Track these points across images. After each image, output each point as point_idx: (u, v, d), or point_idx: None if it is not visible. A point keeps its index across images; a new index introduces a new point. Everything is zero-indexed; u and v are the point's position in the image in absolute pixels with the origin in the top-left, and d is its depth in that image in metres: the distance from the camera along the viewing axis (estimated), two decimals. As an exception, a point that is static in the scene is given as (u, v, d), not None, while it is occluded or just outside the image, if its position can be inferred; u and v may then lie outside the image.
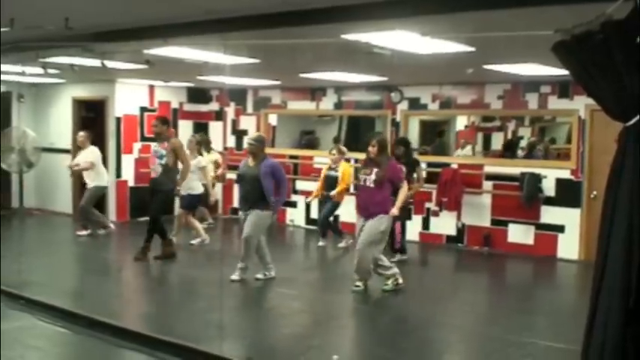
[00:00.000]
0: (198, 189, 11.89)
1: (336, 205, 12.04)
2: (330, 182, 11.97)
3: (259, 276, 9.46)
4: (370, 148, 8.81)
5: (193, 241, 11.99)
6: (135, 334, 6.90)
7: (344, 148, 12.29)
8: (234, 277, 9.33)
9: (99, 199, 13.05)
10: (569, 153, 11.68)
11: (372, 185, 8.70)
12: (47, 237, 13.03)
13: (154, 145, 10.88)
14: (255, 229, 9.22)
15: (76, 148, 13.46)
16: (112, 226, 12.99)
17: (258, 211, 9.18)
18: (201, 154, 12.33)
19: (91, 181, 12.69)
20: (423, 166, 11.89)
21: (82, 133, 13.16)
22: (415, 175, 10.93)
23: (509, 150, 14.13)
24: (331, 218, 12.39)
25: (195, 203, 12.15)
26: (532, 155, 13.31)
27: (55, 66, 10.13)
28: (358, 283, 9.02)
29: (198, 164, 11.85)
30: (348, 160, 12.37)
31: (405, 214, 10.51)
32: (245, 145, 10.13)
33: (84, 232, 12.78)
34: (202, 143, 12.90)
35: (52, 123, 15.28)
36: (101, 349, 6.78)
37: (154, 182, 10.73)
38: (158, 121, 10.90)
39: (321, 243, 12.29)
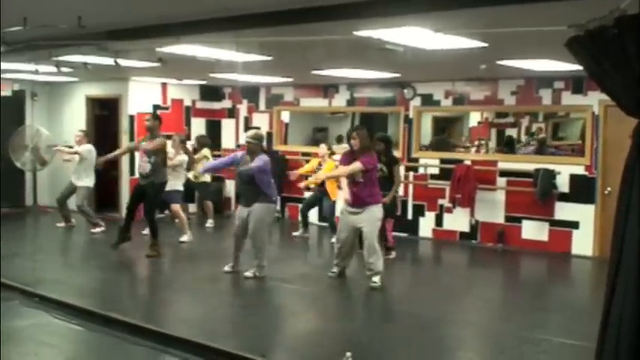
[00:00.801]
0: (180, 185, 12.37)
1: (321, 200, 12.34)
2: None
3: (248, 274, 9.46)
4: (352, 141, 9.04)
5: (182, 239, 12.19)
6: (149, 330, 6.91)
7: (333, 147, 12.67)
8: (248, 273, 9.44)
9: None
10: (582, 149, 11.65)
11: (361, 180, 8.93)
12: (61, 235, 13.04)
13: (143, 143, 11.02)
14: (259, 224, 9.28)
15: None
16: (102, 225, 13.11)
17: (258, 204, 9.25)
18: (186, 152, 12.56)
19: (80, 180, 12.84)
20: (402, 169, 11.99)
21: (79, 132, 13.30)
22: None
23: (508, 146, 14.16)
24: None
25: (179, 198, 12.43)
26: (543, 151, 13.35)
27: (69, 64, 10.17)
28: (335, 270, 9.54)
29: (182, 161, 12.25)
30: (332, 155, 12.37)
31: (390, 211, 10.44)
32: (243, 143, 10.15)
33: (98, 230, 12.83)
34: (201, 141, 13.66)
35: (66, 121, 15.32)
36: (115, 347, 6.79)
37: (143, 177, 10.92)
38: (151, 117, 11.16)
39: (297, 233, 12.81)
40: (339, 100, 14.30)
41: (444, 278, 10.55)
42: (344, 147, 11.60)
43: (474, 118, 16.24)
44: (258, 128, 13.18)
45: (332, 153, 12.29)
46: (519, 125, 15.55)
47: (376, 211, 9.07)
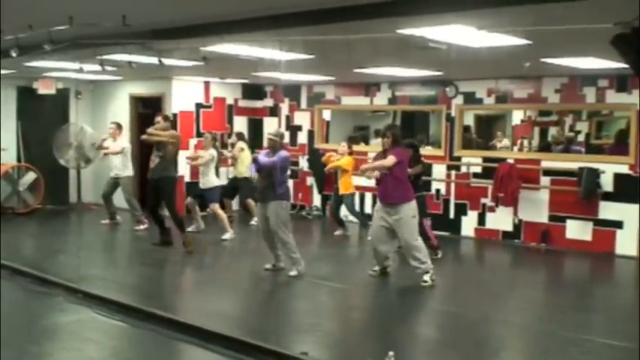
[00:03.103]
0: (216, 182, 12.63)
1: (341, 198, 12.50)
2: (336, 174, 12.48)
3: (292, 273, 9.49)
4: (385, 139, 9.14)
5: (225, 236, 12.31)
6: (190, 327, 6.96)
7: (371, 141, 13.23)
8: (267, 265, 9.79)
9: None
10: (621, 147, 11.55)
11: (387, 172, 9.01)
12: (104, 232, 13.18)
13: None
14: (276, 219, 9.35)
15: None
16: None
17: (274, 202, 9.37)
18: (215, 149, 12.76)
19: (123, 171, 13.13)
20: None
21: (112, 124, 13.51)
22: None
23: (570, 144, 14.01)
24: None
25: (216, 196, 12.64)
26: (569, 149, 13.30)
27: (113, 63, 10.26)
28: (376, 268, 9.57)
29: (212, 156, 12.46)
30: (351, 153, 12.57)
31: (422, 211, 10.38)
32: (266, 141, 10.32)
33: (141, 227, 12.96)
34: (238, 136, 13.92)
35: (109, 119, 15.42)
36: (157, 343, 6.85)
37: (154, 172, 11.17)
38: (160, 118, 11.39)
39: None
40: (381, 99, 14.28)
41: (486, 278, 10.49)
42: (377, 142, 11.72)
43: (517, 117, 16.14)
44: (300, 128, 13.17)
45: (351, 152, 12.45)
46: (562, 124, 15.42)
47: (408, 209, 9.05)
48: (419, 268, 9.04)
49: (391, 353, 5.76)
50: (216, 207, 12.36)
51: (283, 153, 9.44)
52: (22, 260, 9.90)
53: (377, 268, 9.54)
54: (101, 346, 6.85)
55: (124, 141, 13.30)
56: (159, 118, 11.28)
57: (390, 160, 8.89)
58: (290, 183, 14.64)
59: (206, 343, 6.62)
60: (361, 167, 9.55)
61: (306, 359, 6.08)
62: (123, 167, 13.10)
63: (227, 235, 12.22)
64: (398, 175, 8.99)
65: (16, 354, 6.29)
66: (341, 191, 12.33)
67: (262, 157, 9.51)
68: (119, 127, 13.44)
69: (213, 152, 12.46)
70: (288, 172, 10.04)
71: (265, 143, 9.74)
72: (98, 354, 6.60)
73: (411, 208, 9.07)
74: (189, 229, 12.10)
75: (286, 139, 15.25)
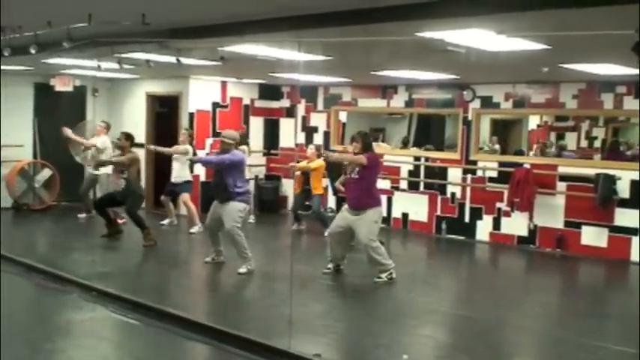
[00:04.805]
0: (189, 176, 13.11)
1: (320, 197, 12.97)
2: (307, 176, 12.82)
3: (241, 270, 9.57)
4: (354, 144, 9.28)
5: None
6: (204, 326, 6.97)
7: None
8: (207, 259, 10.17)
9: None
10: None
11: (356, 176, 9.15)
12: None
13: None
14: (229, 220, 9.49)
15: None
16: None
17: (230, 203, 9.55)
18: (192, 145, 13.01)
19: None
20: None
21: (101, 123, 13.65)
22: None
23: (614, 151, 13.95)
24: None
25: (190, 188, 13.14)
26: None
27: (131, 61, 10.28)
28: (330, 266, 9.71)
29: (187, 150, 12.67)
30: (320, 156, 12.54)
31: None
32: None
33: (165, 222, 13.20)
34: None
35: (126, 118, 15.51)
36: (171, 342, 6.87)
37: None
38: (122, 136, 11.71)
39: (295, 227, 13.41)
40: (398, 101, 14.25)
41: (501, 282, 10.45)
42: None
43: (533, 122, 16.09)
44: (316, 129, 13.17)
45: (319, 155, 12.39)
46: (579, 129, 15.37)
47: (373, 214, 9.21)
48: (379, 268, 9.28)
49: (405, 357, 5.75)
50: (187, 198, 12.87)
51: (237, 153, 9.74)
52: (36, 257, 9.95)
53: (330, 266, 9.71)
54: (115, 344, 6.90)
55: (104, 140, 13.33)
56: (119, 142, 11.68)
57: (363, 158, 9.09)
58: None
59: (219, 342, 6.63)
60: (331, 155, 9.98)
61: (319, 360, 6.08)
62: (91, 159, 13.39)
63: (195, 229, 12.57)
64: (368, 179, 9.22)
65: (30, 351, 6.33)
66: (316, 192, 12.71)
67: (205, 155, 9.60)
68: (107, 127, 13.60)
69: (188, 148, 12.71)
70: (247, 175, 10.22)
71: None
72: (112, 352, 6.63)
73: (376, 212, 9.27)
74: (165, 222, 12.98)
75: (301, 140, 15.31)
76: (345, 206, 9.44)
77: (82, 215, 13.85)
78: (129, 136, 11.70)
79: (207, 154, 13.84)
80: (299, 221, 13.40)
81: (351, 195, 9.32)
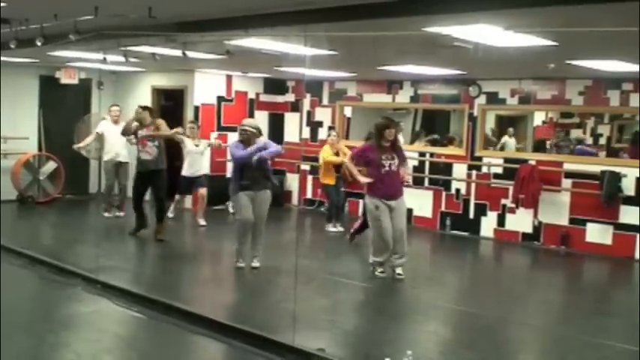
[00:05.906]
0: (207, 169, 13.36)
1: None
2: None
3: (255, 264, 9.50)
4: (388, 132, 9.23)
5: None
6: (209, 320, 6.97)
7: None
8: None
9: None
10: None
11: (395, 169, 9.24)
12: (125, 222, 13.19)
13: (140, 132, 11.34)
14: (265, 209, 9.49)
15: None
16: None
17: (267, 191, 9.50)
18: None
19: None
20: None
21: (115, 108, 13.68)
22: None
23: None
24: None
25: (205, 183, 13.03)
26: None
27: (137, 54, 10.27)
28: (382, 269, 9.39)
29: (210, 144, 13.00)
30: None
31: None
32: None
33: (170, 215, 13.13)
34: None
35: (131, 111, 15.46)
36: (176, 335, 6.85)
37: (147, 163, 11.18)
38: (139, 108, 11.49)
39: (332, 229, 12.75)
40: (403, 96, 14.22)
41: (505, 279, 10.46)
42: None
43: (538, 118, 16.06)
44: (321, 124, 13.12)
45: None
46: (584, 126, 15.35)
47: (403, 202, 9.45)
48: (400, 258, 9.23)
49: (409, 352, 5.74)
50: (205, 193, 12.83)
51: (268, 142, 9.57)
52: (40, 249, 9.95)
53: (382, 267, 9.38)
54: (119, 337, 6.89)
55: (106, 126, 13.43)
56: (138, 115, 11.40)
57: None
58: (309, 178, 14.79)
59: (225, 337, 6.63)
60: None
61: (323, 355, 6.06)
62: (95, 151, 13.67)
63: (203, 221, 12.74)
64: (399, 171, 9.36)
65: (34, 343, 6.34)
66: (330, 182, 12.55)
67: (237, 150, 9.30)
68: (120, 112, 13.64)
69: (206, 141, 12.86)
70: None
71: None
72: (116, 345, 6.63)
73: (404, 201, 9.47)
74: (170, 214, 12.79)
75: (306, 135, 15.32)
76: (379, 199, 9.19)
77: (108, 214, 13.45)
78: (146, 108, 11.58)
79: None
80: (339, 221, 12.78)
81: (391, 184, 9.21)
